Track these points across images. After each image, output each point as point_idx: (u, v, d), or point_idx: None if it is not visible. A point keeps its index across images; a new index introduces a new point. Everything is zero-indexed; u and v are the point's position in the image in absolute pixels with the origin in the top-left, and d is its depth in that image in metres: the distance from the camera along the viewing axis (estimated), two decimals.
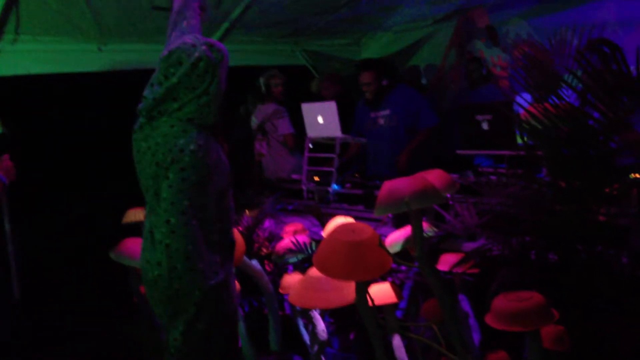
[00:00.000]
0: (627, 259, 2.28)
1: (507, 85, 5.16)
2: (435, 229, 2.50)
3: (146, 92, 2.29)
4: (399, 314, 2.82)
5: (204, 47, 2.31)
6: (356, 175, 3.85)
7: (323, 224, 3.04)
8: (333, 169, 3.66)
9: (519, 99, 2.61)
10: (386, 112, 4.43)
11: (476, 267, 2.58)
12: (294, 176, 4.09)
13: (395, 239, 2.46)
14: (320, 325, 2.70)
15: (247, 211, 3.34)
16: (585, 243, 2.30)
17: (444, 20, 5.63)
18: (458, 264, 2.52)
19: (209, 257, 2.23)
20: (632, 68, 2.23)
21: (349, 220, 2.75)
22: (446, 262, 2.61)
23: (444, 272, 2.60)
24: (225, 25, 4.83)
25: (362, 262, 2.03)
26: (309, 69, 6.06)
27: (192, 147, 2.19)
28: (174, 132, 2.22)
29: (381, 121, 4.44)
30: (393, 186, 2.18)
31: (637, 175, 2.61)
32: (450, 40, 5.69)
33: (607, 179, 2.49)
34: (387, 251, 2.08)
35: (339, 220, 2.78)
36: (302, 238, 2.93)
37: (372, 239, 2.08)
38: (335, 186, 3.60)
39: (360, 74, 4.41)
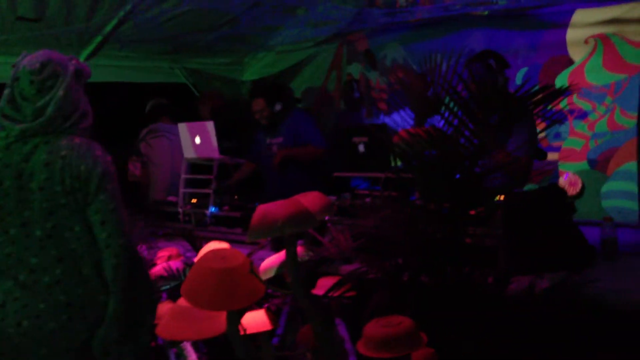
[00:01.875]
0: (493, 279, 2.36)
1: (385, 108, 5.30)
2: (310, 253, 2.46)
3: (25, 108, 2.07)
4: (275, 341, 2.75)
5: (74, 61, 2.17)
6: (235, 197, 3.76)
7: (197, 249, 2.92)
8: (210, 191, 3.55)
9: (391, 122, 2.66)
10: (279, 139, 4.36)
11: (353, 290, 2.57)
12: (171, 198, 3.92)
13: (269, 264, 2.39)
14: (192, 357, 2.56)
15: None
16: (454, 264, 2.36)
17: (325, 43, 5.71)
18: (334, 287, 2.49)
19: None
20: None
21: (223, 245, 2.65)
22: (323, 286, 2.58)
23: (322, 296, 2.57)
24: (98, 39, 4.60)
25: (233, 291, 1.94)
26: (189, 87, 5.91)
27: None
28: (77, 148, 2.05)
29: (275, 148, 4.37)
30: (267, 210, 2.12)
31: (502, 198, 2.74)
32: (331, 63, 5.78)
33: (475, 201, 2.59)
34: (260, 279, 2.01)
35: (212, 245, 2.67)
36: (176, 264, 2.79)
37: (243, 266, 2.00)
38: (212, 209, 3.49)
39: (251, 101, 4.32)
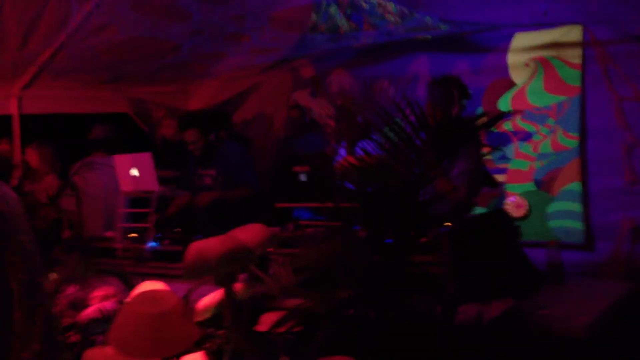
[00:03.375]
0: (441, 309, 2.30)
1: (334, 134, 5.26)
2: (251, 289, 2.35)
3: None
4: None
5: None
6: (177, 230, 3.62)
7: (131, 288, 2.77)
8: (150, 225, 3.41)
9: (335, 150, 2.59)
10: (212, 171, 4.23)
11: (298, 326, 2.47)
12: (108, 234, 3.75)
13: (207, 303, 2.27)
14: None
15: (53, 274, 2.97)
16: (400, 295, 2.29)
17: (270, 69, 5.65)
18: (277, 324, 2.39)
19: None
20: None
21: (157, 284, 2.52)
22: (267, 322, 2.47)
23: (265, 333, 2.46)
24: (33, 69, 4.43)
25: (165, 336, 1.83)
26: (131, 117, 5.74)
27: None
28: None
29: (207, 180, 4.22)
30: (200, 248, 2.02)
31: (449, 224, 2.69)
32: (278, 90, 5.73)
33: (420, 229, 2.54)
34: (195, 321, 1.90)
35: (146, 286, 2.53)
36: (110, 305, 2.63)
37: (175, 308, 1.89)
38: (152, 243, 3.34)
39: (184, 132, 4.17)
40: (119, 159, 3.67)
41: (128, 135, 5.29)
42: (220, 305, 2.26)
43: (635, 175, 3.97)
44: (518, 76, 4.50)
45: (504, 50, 4.54)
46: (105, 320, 2.58)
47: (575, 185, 4.20)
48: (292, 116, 5.14)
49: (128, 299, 2.76)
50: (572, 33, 4.26)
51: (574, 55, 4.25)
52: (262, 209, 4.05)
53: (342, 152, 3.24)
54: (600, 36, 4.15)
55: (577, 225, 4.15)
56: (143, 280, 2.70)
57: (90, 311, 2.66)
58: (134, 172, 3.54)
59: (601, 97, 4.14)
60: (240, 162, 4.15)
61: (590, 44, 4.19)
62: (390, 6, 4.40)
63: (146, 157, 3.52)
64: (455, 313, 2.28)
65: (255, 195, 4.04)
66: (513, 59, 4.52)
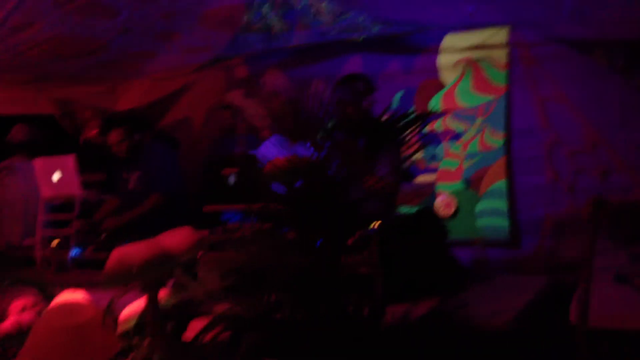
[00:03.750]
0: (369, 310, 2.31)
1: (268, 135, 5.22)
2: (176, 296, 2.30)
3: None
4: None
5: None
6: (103, 236, 3.50)
7: (50, 298, 2.66)
8: (72, 232, 3.28)
9: (263, 151, 2.57)
10: (137, 174, 4.11)
11: (227, 331, 2.43)
12: (27, 242, 3.59)
13: (129, 313, 2.20)
14: None
15: None
16: (329, 296, 2.29)
17: (203, 69, 5.56)
18: (204, 330, 2.34)
19: None
20: None
21: (77, 294, 2.42)
22: (195, 328, 2.42)
23: (193, 340, 2.40)
24: None
25: (84, 349, 1.75)
26: (57, 118, 5.52)
27: None
28: None
29: (132, 184, 4.09)
30: (122, 254, 1.96)
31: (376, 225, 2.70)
32: (210, 90, 5.63)
33: (349, 230, 2.54)
34: (115, 332, 1.83)
35: (65, 296, 2.43)
36: (29, 316, 2.52)
37: (95, 319, 1.82)
38: (75, 251, 3.22)
39: (107, 133, 4.02)
40: (40, 163, 3.52)
41: (53, 137, 5.09)
42: (144, 314, 2.20)
43: (556, 173, 4.12)
44: (448, 77, 4.59)
45: (435, 51, 4.62)
46: (20, 335, 2.47)
47: (501, 184, 4.31)
48: (224, 117, 5.06)
49: (45, 311, 2.66)
50: (499, 35, 4.37)
51: (501, 57, 4.37)
52: (190, 212, 3.97)
53: (272, 152, 3.21)
54: (525, 38, 4.28)
55: (503, 222, 4.26)
56: (63, 289, 2.60)
57: (7, 325, 2.54)
58: (56, 176, 3.41)
59: (525, 98, 4.27)
60: (160, 165, 4.04)
61: (515, 45, 4.31)
62: (323, 6, 4.41)
63: (69, 160, 3.40)
64: (383, 313, 2.29)
65: (174, 199, 3.94)
66: (443, 60, 4.60)
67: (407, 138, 2.48)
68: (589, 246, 2.04)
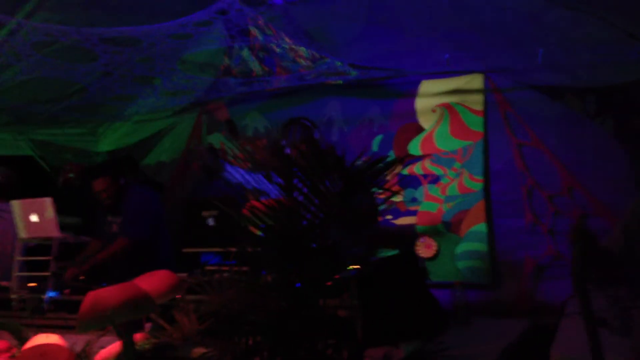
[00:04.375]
0: (347, 354, 2.28)
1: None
2: (153, 339, 2.26)
3: None
4: None
5: None
6: (81, 278, 3.44)
7: (22, 342, 2.59)
8: (49, 274, 3.22)
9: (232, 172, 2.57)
10: (119, 218, 4.09)
11: None
12: (3, 283, 3.52)
13: (105, 355, 2.16)
14: None
15: None
16: (307, 340, 2.26)
17: (184, 112, 5.59)
18: None
19: None
20: None
21: (52, 338, 2.37)
22: None
23: None
24: None
25: None
26: (36, 160, 5.49)
27: None
28: None
29: (115, 228, 4.07)
30: (97, 297, 1.93)
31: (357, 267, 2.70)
32: (191, 133, 5.65)
33: (328, 272, 2.52)
34: None
35: (39, 340, 2.37)
36: None
37: None
38: (51, 293, 3.15)
39: (92, 182, 4.01)
40: (18, 205, 3.48)
41: (31, 179, 5.05)
42: (120, 358, 2.15)
43: (535, 216, 4.17)
44: (426, 121, 4.66)
45: (413, 95, 4.70)
46: None
47: (481, 227, 4.35)
48: (205, 160, 5.07)
49: (18, 355, 2.59)
50: (475, 81, 4.47)
51: (477, 102, 4.46)
52: (170, 254, 3.94)
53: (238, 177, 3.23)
54: (500, 84, 4.39)
55: (483, 265, 4.28)
56: (38, 333, 2.54)
57: None
58: (34, 217, 3.37)
59: (502, 142, 4.35)
60: (137, 209, 4.03)
61: (490, 90, 4.41)
62: (302, 50, 4.49)
63: (47, 202, 3.36)
64: (363, 357, 2.26)
65: (150, 242, 3.95)
66: (421, 104, 4.68)
67: (385, 181, 2.49)
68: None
